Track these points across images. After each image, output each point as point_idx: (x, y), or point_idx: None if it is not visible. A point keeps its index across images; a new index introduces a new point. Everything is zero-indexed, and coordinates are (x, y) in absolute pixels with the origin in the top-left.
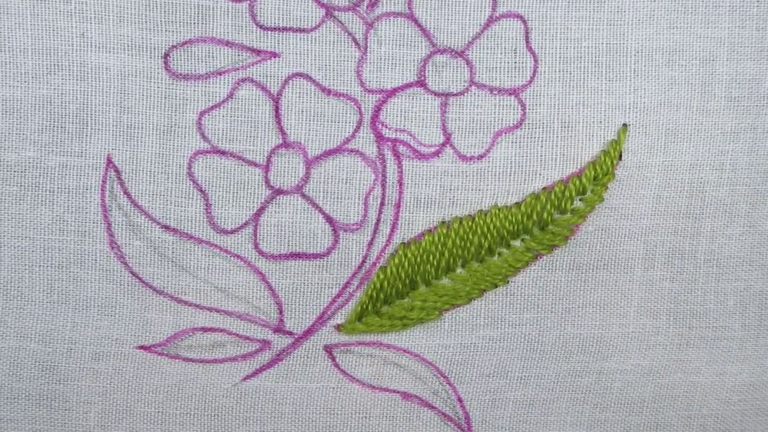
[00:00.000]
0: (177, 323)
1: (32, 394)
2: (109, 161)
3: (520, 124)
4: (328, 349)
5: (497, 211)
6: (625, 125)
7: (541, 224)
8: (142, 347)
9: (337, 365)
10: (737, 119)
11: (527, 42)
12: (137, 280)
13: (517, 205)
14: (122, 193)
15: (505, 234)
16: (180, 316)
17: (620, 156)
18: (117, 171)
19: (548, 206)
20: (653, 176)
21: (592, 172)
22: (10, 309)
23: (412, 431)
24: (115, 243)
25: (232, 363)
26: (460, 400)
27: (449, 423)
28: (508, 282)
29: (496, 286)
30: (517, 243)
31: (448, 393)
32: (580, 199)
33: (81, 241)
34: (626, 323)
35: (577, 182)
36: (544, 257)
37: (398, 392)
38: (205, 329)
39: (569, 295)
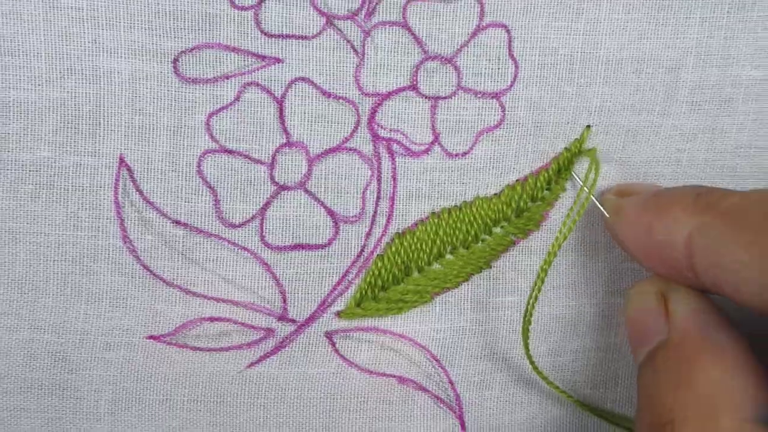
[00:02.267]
0: (185, 314)
1: (45, 383)
2: (122, 160)
3: (500, 124)
4: (329, 336)
5: (480, 202)
6: (588, 126)
7: (517, 212)
8: (151, 337)
9: (337, 351)
10: (697, 121)
11: (510, 50)
12: (148, 272)
13: (497, 195)
14: (134, 190)
15: (488, 222)
16: (188, 306)
17: (580, 152)
18: (129, 170)
19: (523, 196)
20: (612, 171)
21: (556, 166)
22: (24, 302)
23: (408, 413)
24: (128, 238)
25: (238, 351)
26: (451, 382)
27: (442, 405)
28: (490, 266)
29: (481, 270)
30: (498, 230)
31: (440, 376)
32: (547, 188)
33: (94, 236)
34: (597, 302)
35: (546, 174)
36: (522, 242)
37: (394, 376)
38: (212, 319)
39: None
